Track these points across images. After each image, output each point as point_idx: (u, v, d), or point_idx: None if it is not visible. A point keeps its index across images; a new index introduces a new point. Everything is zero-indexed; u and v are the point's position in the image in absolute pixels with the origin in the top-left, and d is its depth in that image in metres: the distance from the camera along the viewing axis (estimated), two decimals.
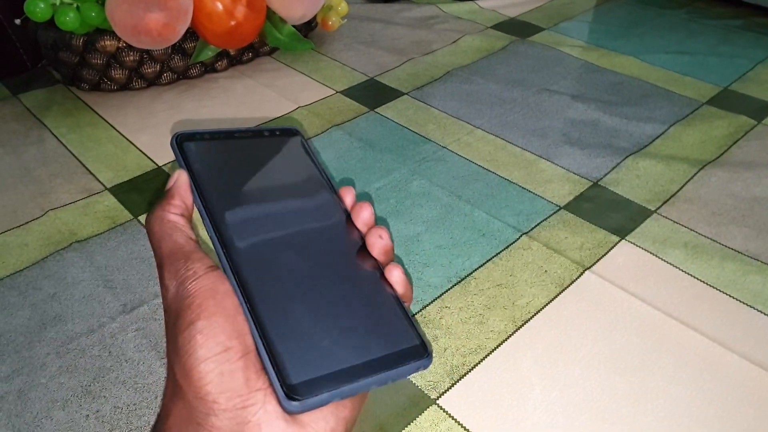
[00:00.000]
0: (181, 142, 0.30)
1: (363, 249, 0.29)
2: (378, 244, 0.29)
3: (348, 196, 0.31)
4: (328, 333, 0.25)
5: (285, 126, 0.34)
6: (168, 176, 0.64)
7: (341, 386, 0.23)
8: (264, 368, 0.24)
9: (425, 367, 0.26)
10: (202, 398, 0.23)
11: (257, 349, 0.24)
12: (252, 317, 0.24)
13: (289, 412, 0.23)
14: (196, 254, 0.26)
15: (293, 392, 0.23)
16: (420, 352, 0.26)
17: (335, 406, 0.24)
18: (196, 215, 0.28)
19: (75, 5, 0.66)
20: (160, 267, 0.26)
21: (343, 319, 0.26)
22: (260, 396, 0.23)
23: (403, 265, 0.48)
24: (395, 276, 0.28)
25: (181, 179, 0.29)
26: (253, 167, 0.31)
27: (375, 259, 0.29)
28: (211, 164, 0.30)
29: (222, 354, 0.23)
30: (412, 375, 0.25)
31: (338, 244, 0.29)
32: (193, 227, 0.28)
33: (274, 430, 0.23)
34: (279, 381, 0.23)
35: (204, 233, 0.28)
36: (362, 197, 0.60)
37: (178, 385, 0.23)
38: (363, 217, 0.30)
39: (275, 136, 0.33)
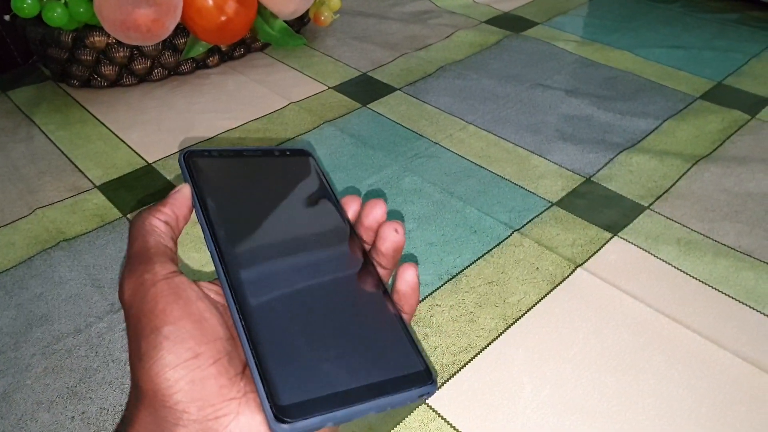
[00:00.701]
0: (189, 158, 0.29)
1: (368, 268, 0.28)
2: (391, 238, 0.28)
3: (355, 204, 0.31)
4: (326, 354, 0.24)
5: (297, 147, 0.33)
6: (158, 173, 0.63)
7: (336, 410, 0.22)
8: (255, 385, 0.22)
9: (430, 394, 0.25)
10: (171, 407, 0.21)
11: (248, 365, 0.23)
12: (245, 333, 0.23)
13: None
14: (160, 258, 0.25)
15: (283, 413, 0.21)
16: (424, 378, 0.25)
17: None
18: (191, 235, 0.27)
19: (63, 1, 0.65)
20: (124, 266, 0.25)
21: (344, 340, 0.25)
22: (233, 406, 0.22)
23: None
24: (409, 276, 0.27)
25: (181, 191, 0.28)
26: (259, 186, 0.30)
27: (380, 279, 0.28)
28: (218, 181, 0.29)
29: (192, 360, 0.22)
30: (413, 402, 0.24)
31: (342, 264, 0.28)
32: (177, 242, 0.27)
33: None
34: (268, 400, 0.22)
35: (198, 255, 0.27)
36: (353, 194, 0.59)
37: (142, 393, 0.22)
38: (376, 214, 0.29)
39: (286, 156, 0.32)
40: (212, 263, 0.26)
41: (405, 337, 0.26)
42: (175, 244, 0.27)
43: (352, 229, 0.30)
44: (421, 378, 0.25)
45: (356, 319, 0.26)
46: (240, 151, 0.31)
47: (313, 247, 0.29)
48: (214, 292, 0.26)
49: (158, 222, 0.27)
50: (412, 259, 0.53)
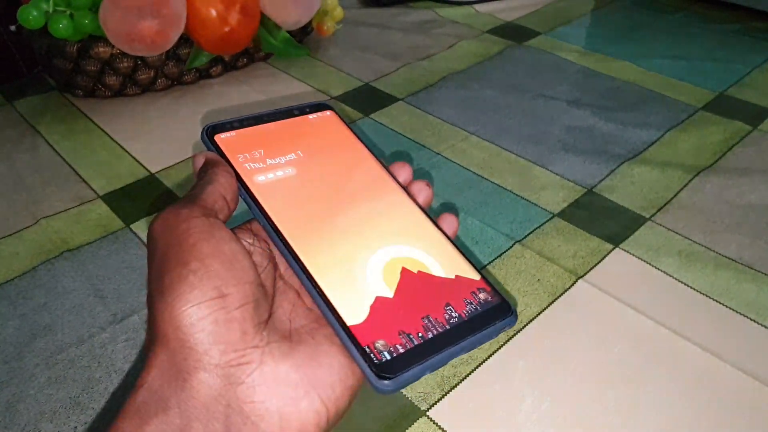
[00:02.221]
0: (212, 134, 0.29)
1: (422, 212, 0.29)
2: (424, 193, 0.29)
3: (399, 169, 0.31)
4: (406, 303, 0.24)
5: (315, 102, 0.33)
6: (160, 183, 0.64)
7: (430, 357, 0.22)
8: (345, 347, 0.22)
9: (511, 325, 0.25)
10: (191, 347, 0.20)
11: (334, 329, 0.23)
12: (322, 299, 0.23)
13: (381, 392, 0.21)
14: (206, 202, 0.24)
15: (383, 371, 0.21)
16: (504, 311, 0.25)
17: (344, 373, 0.22)
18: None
19: (68, 13, 0.66)
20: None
21: (419, 286, 0.25)
22: (257, 354, 0.21)
23: None
24: (451, 220, 0.28)
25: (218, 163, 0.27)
26: (290, 148, 0.30)
27: (435, 221, 0.28)
28: (247, 150, 0.29)
29: (217, 300, 0.20)
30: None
31: (395, 212, 0.28)
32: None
33: (271, 395, 0.20)
34: (365, 360, 0.21)
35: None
36: None
37: (160, 333, 0.20)
38: (404, 174, 0.30)
39: (306, 113, 0.32)
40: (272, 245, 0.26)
41: (477, 274, 0.26)
42: (231, 203, 0.26)
43: (391, 176, 0.30)
44: (501, 311, 0.25)
45: (425, 263, 0.26)
46: (260, 117, 0.31)
47: (360, 197, 0.28)
48: (249, 242, 0.25)
49: (224, 174, 0.26)
50: None
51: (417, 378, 0.22)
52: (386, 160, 0.32)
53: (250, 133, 0.30)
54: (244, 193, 0.27)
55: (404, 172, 0.30)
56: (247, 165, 0.28)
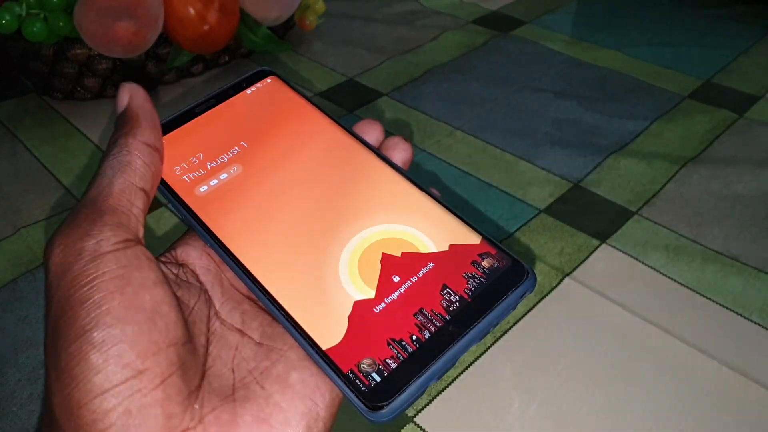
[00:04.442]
0: None
1: (400, 176, 0.24)
2: (400, 152, 0.24)
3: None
4: (393, 297, 0.20)
5: (251, 71, 0.28)
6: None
7: (432, 363, 0.18)
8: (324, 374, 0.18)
9: (530, 290, 0.20)
10: None
11: (309, 354, 0.19)
12: (288, 322, 0.19)
13: (378, 424, 0.18)
14: (119, 213, 0.18)
15: (375, 399, 0.17)
16: (518, 273, 0.20)
17: (309, 416, 0.18)
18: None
19: (42, 15, 0.64)
20: (70, 213, 0.19)
21: (411, 265, 0.21)
22: None
23: None
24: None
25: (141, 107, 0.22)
26: (236, 142, 0.25)
27: (417, 183, 0.23)
28: (184, 160, 0.24)
29: (130, 382, 0.16)
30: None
31: (367, 184, 0.23)
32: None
33: None
34: (352, 391, 0.18)
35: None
36: None
37: (57, 426, 0.16)
38: (374, 133, 0.25)
39: (243, 88, 0.27)
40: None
41: (476, 236, 0.22)
42: (153, 186, 0.21)
43: (357, 140, 0.25)
44: (514, 276, 0.20)
45: (410, 240, 0.22)
46: (192, 110, 0.26)
47: (321, 179, 0.24)
48: (174, 272, 0.21)
49: (142, 147, 0.20)
50: None
51: (418, 395, 0.18)
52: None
53: (183, 134, 0.25)
54: (184, 213, 0.23)
55: (373, 131, 0.25)
56: (185, 177, 0.24)
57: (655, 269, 0.52)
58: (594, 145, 0.67)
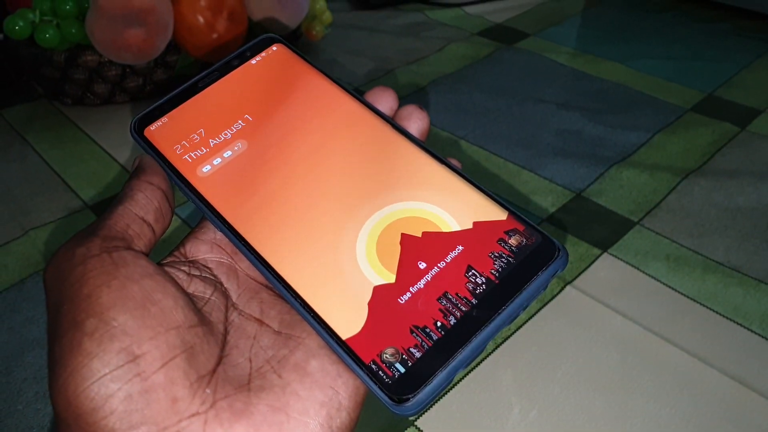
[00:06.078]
0: (141, 128, 0.23)
1: (417, 147, 0.22)
2: (416, 122, 0.23)
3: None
4: (416, 282, 0.19)
5: (255, 39, 0.26)
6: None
7: (459, 351, 0.17)
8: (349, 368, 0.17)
9: (562, 268, 0.19)
10: None
11: (331, 347, 0.18)
12: (305, 310, 0.19)
13: (404, 417, 0.17)
14: (112, 230, 0.19)
15: (400, 391, 0.17)
16: (548, 251, 0.19)
17: (329, 407, 0.18)
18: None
19: (55, 22, 0.66)
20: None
21: (434, 248, 0.20)
22: (197, 425, 0.16)
23: None
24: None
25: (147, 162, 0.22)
26: (240, 116, 0.24)
27: (436, 154, 0.22)
28: (185, 138, 0.23)
29: (129, 366, 0.15)
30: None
31: (382, 157, 0.22)
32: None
33: None
34: (375, 383, 0.17)
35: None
36: None
37: (63, 423, 0.16)
38: (387, 102, 0.24)
39: (248, 58, 0.25)
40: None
41: (502, 211, 0.20)
42: (157, 220, 0.21)
43: (370, 109, 0.24)
44: (544, 253, 0.19)
45: (431, 219, 0.21)
46: (194, 85, 0.25)
47: (332, 154, 0.22)
48: (184, 270, 0.20)
49: (144, 185, 0.21)
50: None
51: (445, 385, 0.17)
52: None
53: (185, 111, 0.24)
54: (189, 194, 0.22)
55: (387, 100, 0.24)
56: (187, 156, 0.23)
57: (656, 279, 0.53)
58: (596, 156, 0.68)
